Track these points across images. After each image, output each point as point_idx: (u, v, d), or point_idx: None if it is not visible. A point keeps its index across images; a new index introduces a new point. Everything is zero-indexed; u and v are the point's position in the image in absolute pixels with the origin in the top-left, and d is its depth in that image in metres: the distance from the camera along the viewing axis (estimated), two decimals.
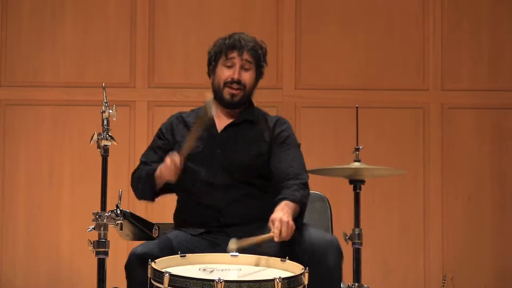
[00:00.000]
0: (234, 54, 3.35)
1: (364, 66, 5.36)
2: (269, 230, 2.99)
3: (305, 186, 3.26)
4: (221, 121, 3.39)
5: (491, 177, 5.32)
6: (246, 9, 5.35)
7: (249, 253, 2.93)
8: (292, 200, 3.13)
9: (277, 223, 2.96)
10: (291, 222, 2.99)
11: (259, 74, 3.42)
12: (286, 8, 5.37)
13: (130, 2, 5.36)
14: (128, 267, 3.04)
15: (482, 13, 5.38)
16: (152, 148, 3.43)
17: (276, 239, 2.96)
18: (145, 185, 3.28)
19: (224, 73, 3.35)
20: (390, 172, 3.73)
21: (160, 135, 3.44)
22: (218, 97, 3.38)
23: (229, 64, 3.35)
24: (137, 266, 2.87)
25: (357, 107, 3.31)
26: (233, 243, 2.87)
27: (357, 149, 3.36)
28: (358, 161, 3.36)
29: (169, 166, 3.12)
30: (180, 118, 3.45)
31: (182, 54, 5.34)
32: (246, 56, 3.35)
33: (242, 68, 3.35)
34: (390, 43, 5.37)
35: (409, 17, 5.39)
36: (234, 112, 3.39)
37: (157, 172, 3.18)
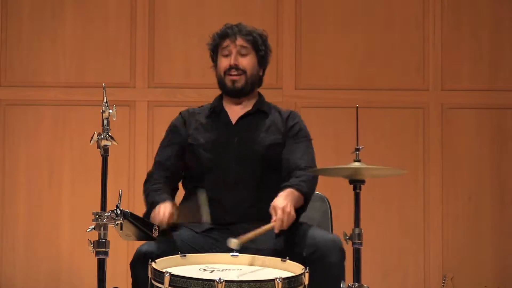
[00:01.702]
0: (228, 42, 3.36)
1: (364, 66, 5.36)
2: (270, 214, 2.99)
3: (314, 179, 3.26)
4: (234, 112, 3.39)
5: (491, 177, 5.32)
6: (246, 9, 5.35)
7: (250, 252, 2.94)
8: (298, 190, 3.12)
9: (279, 213, 2.96)
10: (293, 212, 2.99)
11: (260, 59, 3.41)
12: (286, 8, 5.37)
13: (130, 2, 5.36)
14: (133, 265, 3.05)
15: (482, 13, 5.38)
16: (165, 146, 3.43)
17: (276, 230, 2.95)
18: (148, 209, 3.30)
19: (223, 62, 3.37)
20: (390, 172, 3.72)
21: (172, 129, 3.44)
22: (222, 88, 3.40)
23: (225, 52, 3.37)
24: (142, 264, 2.87)
25: (357, 107, 3.30)
26: (233, 243, 2.86)
27: (357, 149, 3.35)
28: (358, 161, 3.35)
29: (160, 220, 3.12)
30: (190, 113, 3.44)
31: (182, 54, 5.34)
32: (240, 41, 3.36)
33: (239, 53, 3.35)
34: (390, 43, 5.37)
35: (409, 17, 5.39)
36: (245, 102, 3.39)
37: (152, 217, 3.18)
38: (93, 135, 2.75)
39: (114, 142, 2.76)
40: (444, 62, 5.36)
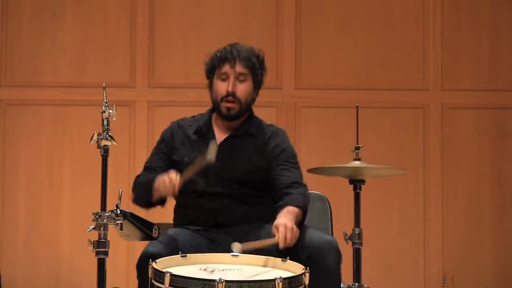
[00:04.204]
0: (227, 67, 3.32)
1: (364, 66, 5.36)
2: (271, 233, 2.98)
3: (306, 194, 3.25)
4: (221, 133, 3.37)
5: (491, 177, 5.32)
6: (246, 9, 5.35)
7: (250, 253, 2.94)
8: (295, 205, 3.11)
9: (281, 229, 2.94)
10: (296, 228, 2.98)
11: (257, 84, 3.39)
12: (286, 8, 5.37)
13: (130, 2, 5.36)
14: (140, 266, 3.04)
15: (482, 13, 5.39)
16: (155, 153, 3.43)
17: (281, 245, 2.94)
18: (142, 192, 3.27)
19: (219, 87, 3.33)
20: (391, 172, 3.73)
21: (161, 140, 3.44)
22: (216, 110, 3.39)
23: (223, 77, 3.34)
24: (148, 265, 2.86)
25: (357, 106, 3.30)
26: (236, 247, 2.86)
27: (357, 148, 3.36)
28: (358, 159, 3.36)
29: (167, 184, 3.11)
30: (180, 125, 3.44)
31: (182, 54, 5.34)
32: (239, 68, 3.32)
33: (237, 79, 3.33)
34: (390, 43, 5.38)
35: (409, 17, 5.39)
36: (234, 123, 3.38)
37: (156, 184, 3.17)
38: (93, 135, 2.75)
39: (114, 142, 2.76)
40: (444, 62, 5.37)
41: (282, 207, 3.11)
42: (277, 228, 2.97)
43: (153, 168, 3.37)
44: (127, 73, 5.34)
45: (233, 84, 3.31)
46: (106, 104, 2.78)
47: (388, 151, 5.28)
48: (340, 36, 5.37)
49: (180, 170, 3.23)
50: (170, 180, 3.09)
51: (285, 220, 2.98)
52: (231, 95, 3.31)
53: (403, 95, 5.36)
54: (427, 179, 5.30)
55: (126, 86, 5.33)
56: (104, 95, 2.78)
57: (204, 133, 3.39)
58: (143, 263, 3.01)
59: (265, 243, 2.95)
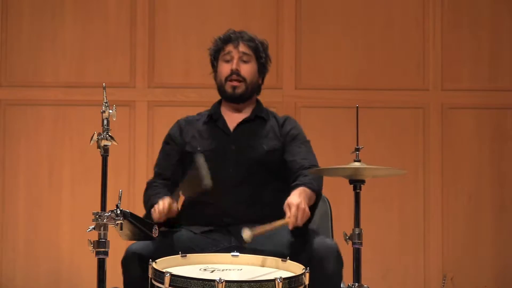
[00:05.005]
0: (230, 47, 3.37)
1: (364, 66, 5.36)
2: (284, 214, 2.98)
3: (321, 177, 3.26)
4: (232, 119, 3.40)
5: (491, 177, 5.32)
6: (246, 9, 5.35)
7: (250, 253, 2.94)
8: (310, 188, 3.12)
9: (293, 209, 2.94)
10: (307, 210, 2.98)
11: (261, 67, 3.41)
12: (286, 8, 5.37)
13: (130, 2, 5.36)
14: (124, 263, 3.06)
15: (482, 13, 5.38)
16: (163, 157, 3.44)
17: (290, 227, 2.95)
18: (149, 214, 3.30)
19: (224, 68, 3.37)
20: (390, 172, 3.71)
21: (168, 140, 3.44)
22: (222, 94, 3.40)
23: (227, 58, 3.38)
24: (132, 262, 2.88)
25: (357, 107, 3.30)
26: (246, 233, 2.86)
27: (357, 149, 3.36)
28: (358, 161, 3.35)
29: (160, 211, 3.13)
30: (187, 121, 3.45)
31: (182, 54, 5.34)
32: (242, 47, 3.37)
33: (240, 60, 3.36)
34: (390, 43, 5.37)
35: (409, 17, 5.39)
36: (244, 108, 3.40)
37: (152, 212, 3.19)
38: (93, 135, 2.75)
39: (114, 142, 2.76)
40: (444, 62, 5.37)
41: (296, 186, 3.10)
42: (289, 207, 2.97)
43: (162, 173, 3.39)
44: (127, 73, 5.34)
45: (237, 62, 3.35)
46: (106, 104, 2.78)
47: (388, 151, 5.28)
48: (340, 36, 5.37)
49: (193, 161, 3.24)
50: (158, 208, 3.11)
51: (298, 200, 2.98)
52: (235, 73, 3.34)
53: (403, 95, 5.36)
54: (427, 179, 5.30)
55: (126, 86, 5.33)
56: (104, 95, 2.78)
57: (214, 121, 3.40)
58: (126, 260, 3.03)
59: (275, 225, 2.94)
